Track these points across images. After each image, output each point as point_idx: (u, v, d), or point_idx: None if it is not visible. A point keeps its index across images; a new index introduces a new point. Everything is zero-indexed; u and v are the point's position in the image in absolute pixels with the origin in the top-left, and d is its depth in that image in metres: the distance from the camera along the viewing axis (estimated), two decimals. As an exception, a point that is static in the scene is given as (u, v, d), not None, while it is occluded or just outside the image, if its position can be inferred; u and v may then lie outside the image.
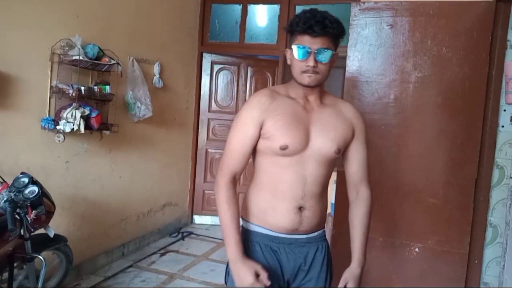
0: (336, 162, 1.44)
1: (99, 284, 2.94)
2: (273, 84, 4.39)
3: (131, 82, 3.25)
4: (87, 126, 2.70)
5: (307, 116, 1.35)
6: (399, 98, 2.51)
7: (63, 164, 2.76)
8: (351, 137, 1.41)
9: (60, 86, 2.61)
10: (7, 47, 2.34)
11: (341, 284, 1.38)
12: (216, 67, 4.42)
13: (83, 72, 2.81)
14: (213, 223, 4.46)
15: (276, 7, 4.11)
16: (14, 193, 1.86)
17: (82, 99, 2.71)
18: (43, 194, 1.95)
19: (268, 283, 1.26)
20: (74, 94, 2.59)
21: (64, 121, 2.55)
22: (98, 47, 2.77)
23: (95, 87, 2.81)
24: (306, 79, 1.30)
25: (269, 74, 4.49)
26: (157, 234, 3.94)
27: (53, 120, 2.57)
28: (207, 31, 4.33)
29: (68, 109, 2.59)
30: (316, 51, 1.26)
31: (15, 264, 2.04)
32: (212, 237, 4.06)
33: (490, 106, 2.43)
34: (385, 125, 2.54)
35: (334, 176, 2.99)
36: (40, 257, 1.99)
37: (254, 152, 1.38)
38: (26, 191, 1.88)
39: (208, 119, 4.45)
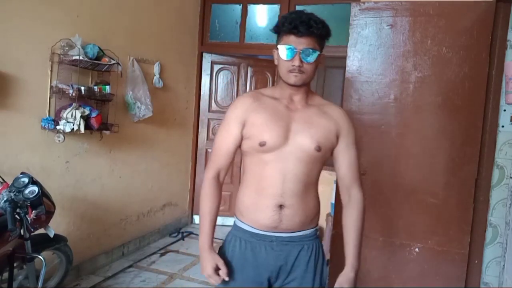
0: (324, 161, 1.43)
1: (99, 284, 2.94)
2: (273, 84, 4.39)
3: (131, 82, 3.25)
4: (87, 126, 2.70)
5: (289, 114, 1.38)
6: (399, 98, 2.51)
7: (63, 164, 2.76)
8: (334, 136, 1.41)
9: (60, 86, 2.61)
10: (7, 47, 2.34)
11: None
12: (216, 67, 4.42)
13: (83, 72, 2.81)
14: (213, 223, 4.45)
15: (276, 7, 4.11)
16: (14, 193, 1.86)
17: (82, 99, 2.71)
18: (43, 194, 1.95)
19: (225, 278, 1.34)
20: (74, 94, 2.59)
21: (64, 121, 2.55)
22: (98, 47, 2.77)
23: (95, 87, 2.80)
24: (292, 78, 1.33)
25: (269, 74, 4.49)
26: (157, 234, 3.94)
27: (53, 120, 2.56)
28: (207, 31, 4.33)
29: (68, 109, 2.59)
30: (301, 51, 1.29)
31: (15, 264, 2.03)
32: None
33: (490, 106, 2.43)
34: (385, 125, 2.54)
35: (334, 176, 2.99)
36: (40, 257, 1.98)
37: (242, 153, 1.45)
38: (26, 191, 1.87)
39: (208, 119, 4.45)
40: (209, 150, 4.49)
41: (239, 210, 1.46)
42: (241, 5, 4.21)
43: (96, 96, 2.81)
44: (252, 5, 4.21)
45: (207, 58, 4.37)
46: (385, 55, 2.51)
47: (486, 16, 2.31)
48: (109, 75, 2.96)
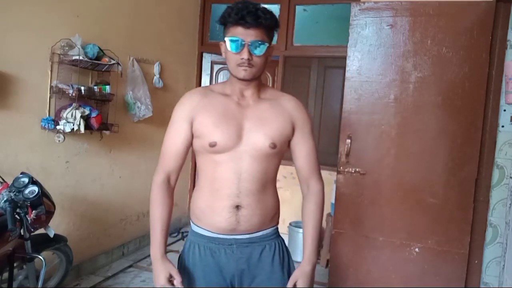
0: (281, 156, 1.39)
1: (99, 284, 2.94)
2: (273, 84, 4.39)
3: (131, 82, 3.25)
4: (87, 126, 2.70)
5: (241, 112, 1.31)
6: (399, 98, 2.51)
7: (63, 164, 2.76)
8: (290, 130, 1.36)
9: (60, 86, 2.61)
10: (7, 47, 2.34)
11: (290, 284, 1.34)
12: (216, 67, 4.42)
13: (83, 72, 2.81)
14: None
15: (276, 7, 4.11)
16: (14, 193, 1.86)
17: (82, 99, 2.71)
18: (43, 194, 1.95)
19: (180, 287, 1.26)
20: (74, 94, 2.59)
21: (64, 121, 2.55)
22: (98, 47, 2.77)
23: (95, 87, 2.80)
24: (242, 72, 1.26)
25: (269, 74, 4.49)
26: (157, 234, 3.93)
27: (53, 120, 2.57)
28: (207, 31, 4.33)
29: (68, 109, 2.59)
30: (250, 44, 1.22)
31: (15, 264, 2.03)
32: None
33: (490, 106, 2.43)
34: (385, 125, 2.54)
35: (334, 176, 3.00)
36: (40, 257, 1.98)
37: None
38: (26, 191, 1.87)
39: (208, 119, 4.45)
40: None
41: (194, 214, 1.39)
42: (241, 5, 4.21)
43: (96, 96, 2.81)
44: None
45: (207, 58, 4.37)
46: (385, 55, 2.51)
47: (486, 16, 2.31)
48: (109, 75, 2.96)
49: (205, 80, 4.39)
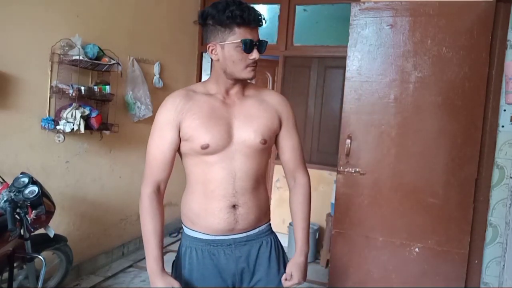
0: (270, 151, 1.40)
1: (99, 284, 2.94)
2: (273, 84, 4.39)
3: (131, 82, 3.25)
4: (87, 126, 2.70)
5: (228, 110, 1.29)
6: (399, 98, 2.51)
7: (63, 164, 2.76)
8: (277, 125, 1.36)
9: (60, 86, 2.61)
10: (7, 47, 2.34)
11: (286, 276, 1.36)
12: (216, 67, 4.42)
13: (83, 72, 2.81)
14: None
15: (276, 7, 4.11)
16: (14, 193, 1.86)
17: (82, 99, 2.71)
18: (43, 194, 1.95)
19: None
20: (74, 94, 2.59)
21: (64, 121, 2.55)
22: (98, 47, 2.77)
23: (95, 87, 2.80)
24: (251, 73, 1.25)
25: (269, 74, 4.49)
26: (157, 234, 3.93)
27: (53, 120, 2.57)
28: (207, 31, 4.32)
29: (68, 109, 2.59)
30: (258, 44, 1.22)
31: (15, 264, 2.03)
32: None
33: (490, 106, 2.43)
34: (385, 125, 2.54)
35: (334, 176, 3.00)
36: (40, 257, 1.98)
37: (180, 154, 1.35)
38: (26, 191, 1.87)
39: (208, 119, 4.45)
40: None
41: (188, 218, 1.36)
42: (241, 5, 4.21)
43: (96, 96, 2.81)
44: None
45: (207, 58, 4.36)
46: (385, 55, 2.51)
47: (486, 16, 2.31)
48: (109, 75, 2.96)
49: (205, 80, 4.39)
